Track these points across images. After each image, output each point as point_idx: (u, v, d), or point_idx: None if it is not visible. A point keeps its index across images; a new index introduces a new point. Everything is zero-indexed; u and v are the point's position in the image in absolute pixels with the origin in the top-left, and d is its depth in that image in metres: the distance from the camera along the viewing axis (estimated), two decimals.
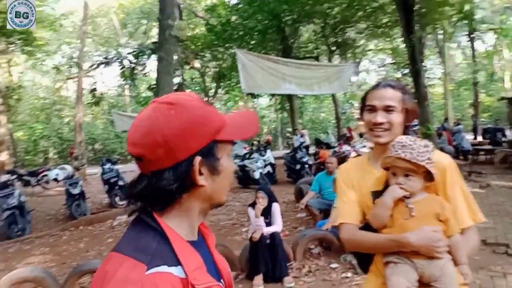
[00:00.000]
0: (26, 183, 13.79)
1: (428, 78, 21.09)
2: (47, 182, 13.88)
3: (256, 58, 8.88)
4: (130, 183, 0.81)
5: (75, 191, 8.76)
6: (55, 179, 13.58)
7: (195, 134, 0.76)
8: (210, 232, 0.93)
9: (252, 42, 16.69)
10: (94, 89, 9.77)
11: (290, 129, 18.31)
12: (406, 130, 1.56)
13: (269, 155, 11.48)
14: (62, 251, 6.27)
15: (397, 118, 1.48)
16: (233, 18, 16.34)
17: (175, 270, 0.72)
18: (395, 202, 1.39)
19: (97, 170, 15.02)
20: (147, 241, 0.74)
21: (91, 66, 10.02)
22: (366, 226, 1.48)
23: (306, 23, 17.20)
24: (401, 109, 1.49)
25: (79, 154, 16.74)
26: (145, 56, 9.49)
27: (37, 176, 13.93)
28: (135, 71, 9.49)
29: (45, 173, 14.00)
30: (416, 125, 8.71)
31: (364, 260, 1.54)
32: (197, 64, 18.69)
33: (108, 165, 9.98)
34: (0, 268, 5.53)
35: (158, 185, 0.75)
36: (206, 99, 25.53)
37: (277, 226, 4.50)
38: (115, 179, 9.67)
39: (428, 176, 1.38)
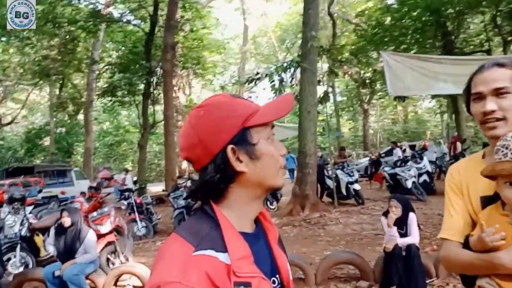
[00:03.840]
0: None
1: None
2: None
3: (404, 59, 8.31)
4: (192, 183, 0.91)
5: None
6: None
7: (224, 127, 0.81)
8: (273, 227, 0.94)
9: (408, 41, 15.64)
10: None
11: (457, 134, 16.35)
12: None
13: (425, 162, 10.50)
14: None
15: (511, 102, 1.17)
16: (387, 20, 15.66)
17: (222, 256, 0.76)
18: (501, 216, 1.13)
19: None
20: (201, 226, 0.80)
21: (245, 83, 10.97)
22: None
23: (473, 14, 15.22)
24: None
25: None
26: (292, 69, 9.90)
27: None
28: (283, 83, 9.99)
29: None
30: None
31: (469, 279, 1.27)
32: (350, 71, 18.53)
33: None
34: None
35: (204, 179, 0.82)
36: (362, 105, 25.06)
37: (413, 237, 4.12)
38: None
39: None
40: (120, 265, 5.25)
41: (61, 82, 24.10)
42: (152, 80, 16.22)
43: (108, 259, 5.52)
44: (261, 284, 0.78)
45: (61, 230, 4.90)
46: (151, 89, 16.47)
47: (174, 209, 8.73)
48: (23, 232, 5.87)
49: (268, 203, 10.17)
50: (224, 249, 0.76)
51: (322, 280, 4.52)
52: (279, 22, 31.42)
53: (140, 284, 4.81)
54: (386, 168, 10.66)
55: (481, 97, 1.21)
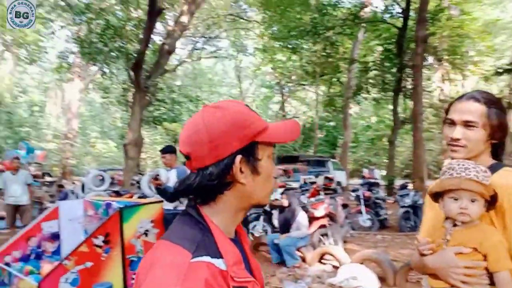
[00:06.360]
0: None
1: None
2: None
3: None
4: (180, 181, 0.86)
5: None
6: None
7: (237, 134, 0.80)
8: (244, 232, 0.97)
9: None
10: None
11: None
12: (496, 149, 1.43)
13: None
14: None
15: (475, 134, 1.36)
16: None
17: (217, 262, 0.76)
18: (439, 228, 1.37)
19: None
20: (193, 232, 0.80)
21: (494, 74, 9.49)
22: None
23: None
24: (484, 125, 1.35)
25: None
26: None
27: None
28: None
29: None
30: None
31: None
32: None
33: None
34: (378, 252, 6.89)
35: (202, 180, 0.81)
36: None
37: None
38: None
39: (488, 203, 1.28)
40: (324, 245, 6.09)
41: (330, 80, 26.98)
42: (403, 75, 16.12)
43: (320, 240, 6.46)
44: None
45: (282, 208, 6.19)
46: (402, 85, 16.38)
47: (400, 207, 8.83)
48: (266, 207, 7.57)
49: None
50: (219, 255, 0.77)
51: None
52: None
53: (338, 265, 5.51)
54: None
55: (452, 123, 1.41)
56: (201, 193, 0.83)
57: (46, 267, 4.25)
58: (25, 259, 4.74)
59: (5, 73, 32.86)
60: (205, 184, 0.80)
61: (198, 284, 0.71)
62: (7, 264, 4.47)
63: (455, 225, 1.31)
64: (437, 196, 1.35)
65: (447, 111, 1.46)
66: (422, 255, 1.35)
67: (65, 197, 9.64)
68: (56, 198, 10.06)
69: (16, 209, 7.40)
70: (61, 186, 12.20)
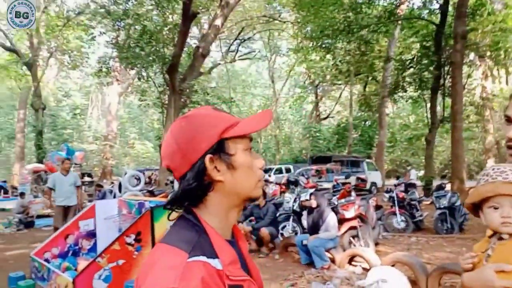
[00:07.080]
0: None
1: None
2: None
3: None
4: (172, 193, 0.93)
5: None
6: None
7: (203, 137, 0.84)
8: (243, 237, 0.99)
9: None
10: None
11: None
12: None
13: None
14: (454, 251, 6.59)
15: None
16: None
17: (213, 262, 0.79)
18: (485, 240, 1.22)
19: None
20: (189, 234, 0.83)
21: None
22: None
23: None
24: None
25: None
26: None
27: None
28: None
29: None
30: None
31: None
32: None
33: None
34: (408, 253, 6.72)
35: (183, 187, 0.85)
36: None
37: None
38: None
39: None
40: (354, 247, 6.01)
41: (365, 79, 26.51)
42: (441, 73, 15.59)
43: (350, 241, 6.38)
44: (251, 286, 0.84)
45: (311, 209, 6.17)
46: (441, 82, 15.84)
47: (436, 209, 8.55)
48: (295, 207, 7.56)
49: None
50: (214, 255, 0.80)
51: None
52: None
53: (368, 267, 5.42)
54: None
55: (509, 120, 1.20)
56: (186, 199, 0.86)
57: (82, 263, 4.49)
58: (63, 255, 5.03)
59: (50, 78, 34.65)
60: (185, 189, 0.84)
61: (195, 282, 0.73)
62: (47, 260, 4.77)
63: (500, 238, 1.15)
64: (476, 209, 1.21)
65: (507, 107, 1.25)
66: (465, 269, 1.21)
67: (103, 196, 10.05)
68: (94, 198, 10.50)
69: (65, 210, 7.46)
70: (99, 186, 12.72)
